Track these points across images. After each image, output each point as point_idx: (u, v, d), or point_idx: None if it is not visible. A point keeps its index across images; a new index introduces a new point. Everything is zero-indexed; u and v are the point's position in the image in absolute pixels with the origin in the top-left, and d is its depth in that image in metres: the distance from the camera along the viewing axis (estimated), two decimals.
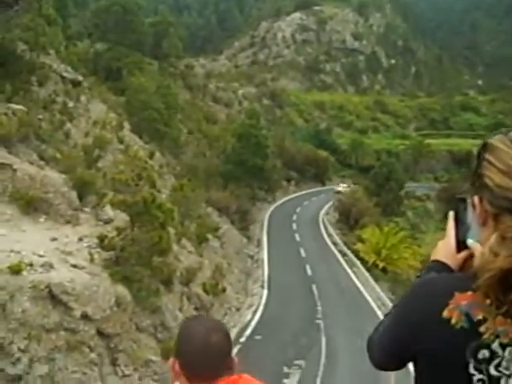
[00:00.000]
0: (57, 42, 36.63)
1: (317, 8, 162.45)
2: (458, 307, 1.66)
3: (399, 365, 1.89)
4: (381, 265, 43.83)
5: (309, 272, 38.02)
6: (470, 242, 1.88)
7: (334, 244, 48.06)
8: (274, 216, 58.53)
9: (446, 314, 1.66)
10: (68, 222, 22.33)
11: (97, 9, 67.37)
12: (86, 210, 24.02)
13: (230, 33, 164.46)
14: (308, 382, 21.19)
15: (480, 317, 1.64)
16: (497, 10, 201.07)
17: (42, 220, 21.62)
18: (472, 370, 1.64)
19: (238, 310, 30.07)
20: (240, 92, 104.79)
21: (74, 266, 18.42)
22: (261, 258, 41.66)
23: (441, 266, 1.89)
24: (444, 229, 2.00)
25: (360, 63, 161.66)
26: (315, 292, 33.57)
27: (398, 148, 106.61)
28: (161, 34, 71.12)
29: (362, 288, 35.83)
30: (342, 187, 74.43)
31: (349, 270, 40.11)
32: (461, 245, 1.90)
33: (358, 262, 42.37)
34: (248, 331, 26.28)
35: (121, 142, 36.00)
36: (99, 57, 59.44)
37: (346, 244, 47.81)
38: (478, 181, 1.73)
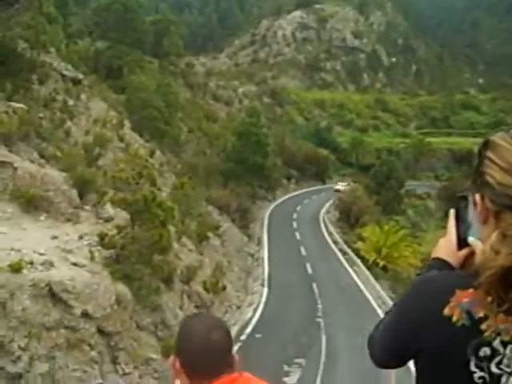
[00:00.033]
0: (57, 40, 36.62)
1: (317, 6, 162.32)
2: (459, 305, 1.65)
3: (400, 363, 1.89)
4: (381, 263, 43.83)
5: (309, 270, 38.02)
6: (470, 239, 1.88)
7: (335, 242, 48.06)
8: (275, 214, 58.53)
9: (447, 311, 1.66)
10: (68, 220, 22.33)
11: (97, 7, 67.31)
12: (87, 208, 24.02)
13: (230, 31, 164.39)
14: (308, 381, 21.19)
15: (481, 314, 1.63)
16: (498, 8, 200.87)
17: (42, 218, 21.63)
18: (473, 368, 1.64)
19: (238, 308, 30.07)
20: (240, 90, 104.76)
21: (75, 264, 18.43)
22: (261, 257, 41.67)
23: (442, 264, 1.89)
24: (445, 227, 1.99)
25: (360, 61, 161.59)
26: (315, 290, 33.58)
27: (398, 146, 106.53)
28: (161, 32, 71.10)
29: (362, 286, 35.84)
30: (340, 186, 74.48)
31: (349, 269, 40.10)
32: (462, 242, 1.90)
33: (358, 261, 42.37)
34: (248, 329, 26.29)
35: (121, 140, 36.01)
36: (100, 55, 59.44)
37: (346, 242, 47.81)
38: (480, 179, 1.73)
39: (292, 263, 39.58)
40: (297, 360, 22.97)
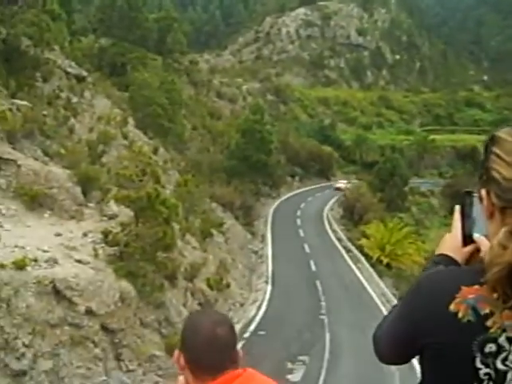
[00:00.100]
0: (61, 37, 36.62)
1: (321, 3, 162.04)
2: (464, 301, 1.65)
3: (406, 359, 1.88)
4: (385, 260, 43.79)
5: (313, 268, 38.01)
6: (476, 235, 1.87)
7: (339, 240, 48.03)
8: (279, 212, 58.51)
9: (452, 307, 1.65)
10: (72, 218, 22.38)
11: (101, 4, 67.28)
12: (91, 205, 24.06)
13: (234, 28, 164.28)
14: (312, 378, 21.19)
15: (487, 311, 1.63)
16: (502, 5, 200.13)
17: (46, 215, 21.67)
18: (479, 364, 1.63)
19: (242, 305, 30.09)
20: (244, 87, 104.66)
21: (79, 262, 18.46)
22: (265, 254, 41.66)
23: (447, 260, 1.88)
24: (448, 224, 1.99)
25: (364, 59, 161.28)
26: (319, 288, 33.56)
27: (402, 144, 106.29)
28: (165, 29, 71.01)
29: (366, 284, 35.82)
30: (341, 183, 74.46)
31: (353, 266, 40.08)
32: (467, 239, 1.90)
33: (362, 258, 42.35)
34: (252, 327, 26.30)
35: (125, 137, 36.04)
36: (103, 52, 59.41)
37: (350, 240, 47.77)
38: (486, 174, 1.72)
39: (296, 260, 39.56)
40: (300, 357, 22.98)
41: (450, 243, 1.93)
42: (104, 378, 16.96)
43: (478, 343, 1.62)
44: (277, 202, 64.66)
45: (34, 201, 21.48)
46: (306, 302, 30.93)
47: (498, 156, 1.68)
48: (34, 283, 16.15)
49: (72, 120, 32.00)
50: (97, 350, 17.14)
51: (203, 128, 66.25)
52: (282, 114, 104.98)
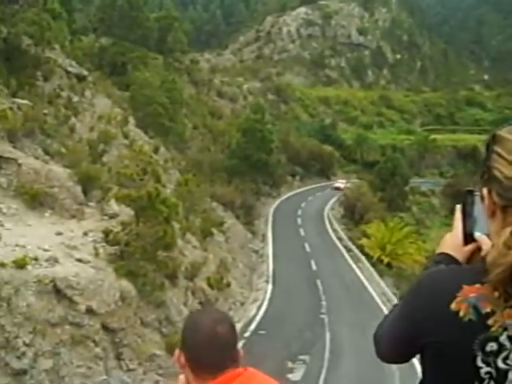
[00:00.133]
0: (62, 36, 36.61)
1: (322, 3, 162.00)
2: (466, 300, 1.64)
3: (407, 358, 1.88)
4: (386, 260, 43.81)
5: (313, 267, 38.01)
6: (477, 234, 1.87)
7: (339, 239, 48.04)
8: (279, 211, 58.52)
9: (454, 306, 1.65)
10: (73, 217, 22.38)
11: (102, 3, 67.23)
12: (91, 204, 24.07)
13: (235, 27, 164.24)
14: (312, 377, 21.20)
15: (488, 309, 1.62)
16: (503, 5, 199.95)
17: (47, 214, 21.67)
18: (480, 363, 1.63)
19: (242, 304, 30.09)
20: (245, 87, 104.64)
21: (79, 261, 18.47)
22: (265, 253, 41.67)
23: (448, 259, 1.88)
24: (449, 224, 1.99)
25: (365, 58, 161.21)
26: (320, 287, 33.57)
27: (403, 143, 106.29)
28: (166, 28, 70.97)
29: (366, 283, 35.83)
30: (340, 183, 74.48)
31: (354, 265, 40.09)
32: (468, 238, 1.90)
33: (362, 257, 42.35)
34: (252, 326, 26.31)
35: (126, 136, 36.04)
36: (104, 51, 59.40)
37: (350, 239, 47.78)
38: (487, 173, 1.71)
39: (296, 260, 39.57)
40: (301, 356, 22.99)
41: (451, 242, 1.93)
42: (104, 377, 16.96)
43: (479, 342, 1.62)
44: (277, 202, 64.66)
45: (35, 200, 21.48)
46: (306, 302, 30.94)
47: (499, 155, 1.68)
48: (35, 282, 16.15)
49: (73, 119, 32.01)
50: (97, 349, 17.14)
51: (204, 127, 66.25)
52: (283, 113, 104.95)
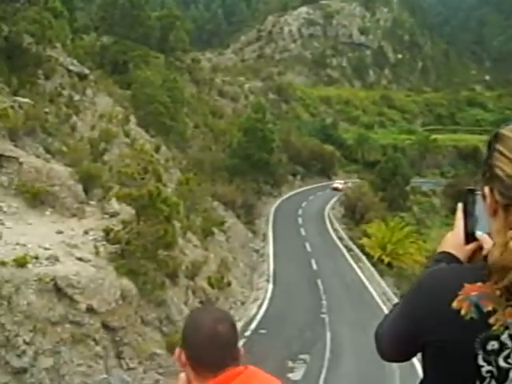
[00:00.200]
0: (63, 35, 36.64)
1: (324, 2, 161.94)
2: (467, 298, 1.64)
3: (408, 356, 1.88)
4: (386, 260, 43.82)
5: (314, 266, 38.01)
6: (478, 233, 1.87)
7: (340, 239, 48.03)
8: (280, 210, 58.52)
9: (455, 304, 1.65)
10: (74, 215, 22.38)
11: (103, 2, 67.22)
12: (92, 203, 24.07)
13: (236, 27, 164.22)
14: (313, 377, 21.20)
15: (490, 308, 1.62)
16: (505, 5, 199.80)
17: (47, 213, 21.67)
18: (481, 362, 1.62)
19: (243, 303, 30.09)
20: (246, 86, 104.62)
21: (80, 259, 18.47)
22: (266, 253, 41.66)
23: (449, 258, 1.88)
24: (450, 224, 1.99)
25: (367, 58, 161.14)
26: (320, 286, 33.57)
27: (404, 143, 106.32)
28: (167, 27, 70.99)
29: (367, 283, 35.83)
30: (338, 183, 74.52)
31: (354, 265, 40.09)
32: (469, 236, 1.90)
33: (363, 257, 42.35)
34: (253, 325, 26.31)
35: (127, 135, 36.04)
36: (105, 50, 59.43)
37: (351, 239, 47.78)
38: (489, 171, 1.71)
39: (297, 259, 39.57)
40: (301, 356, 22.98)
41: (453, 241, 1.93)
42: (105, 375, 16.96)
43: (481, 340, 1.62)
44: (278, 201, 64.68)
45: (36, 198, 21.48)
46: (307, 301, 30.94)
47: (501, 153, 1.67)
48: (35, 281, 16.15)
49: (74, 118, 32.00)
50: (97, 348, 17.14)
51: (205, 126, 66.28)
52: (284, 112, 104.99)
